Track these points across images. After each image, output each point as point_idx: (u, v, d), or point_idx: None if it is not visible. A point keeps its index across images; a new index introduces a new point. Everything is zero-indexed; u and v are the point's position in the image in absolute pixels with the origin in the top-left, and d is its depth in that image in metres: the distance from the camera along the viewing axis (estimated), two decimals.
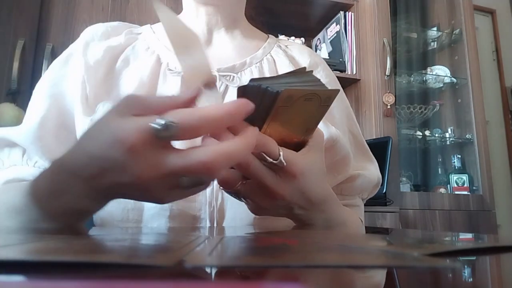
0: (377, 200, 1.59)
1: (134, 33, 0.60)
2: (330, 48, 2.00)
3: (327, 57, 1.95)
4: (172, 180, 0.29)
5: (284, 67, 0.60)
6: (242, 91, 0.34)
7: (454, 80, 2.06)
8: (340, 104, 0.62)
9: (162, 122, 0.27)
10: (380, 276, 0.15)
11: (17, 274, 0.13)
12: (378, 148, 1.62)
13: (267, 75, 0.59)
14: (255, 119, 0.33)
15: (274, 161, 0.35)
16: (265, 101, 0.33)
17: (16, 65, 1.37)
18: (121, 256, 0.17)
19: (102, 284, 0.11)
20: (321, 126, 0.53)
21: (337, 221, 0.44)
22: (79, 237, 0.28)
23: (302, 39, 1.97)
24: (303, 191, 0.37)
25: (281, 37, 1.72)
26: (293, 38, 1.92)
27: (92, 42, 0.56)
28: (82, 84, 0.52)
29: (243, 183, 0.37)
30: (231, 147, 0.29)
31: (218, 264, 0.15)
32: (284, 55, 0.62)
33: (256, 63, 0.60)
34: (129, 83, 0.54)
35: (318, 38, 2.11)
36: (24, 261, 0.14)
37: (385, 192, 1.62)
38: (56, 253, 0.16)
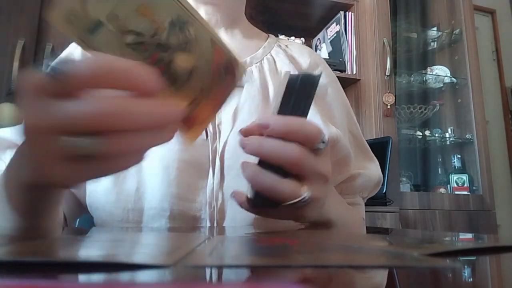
0: (377, 200, 1.59)
1: None
2: (330, 48, 2.00)
3: (327, 57, 1.95)
4: (62, 143, 0.25)
5: (284, 67, 0.60)
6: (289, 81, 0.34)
7: (454, 80, 2.06)
8: (340, 104, 0.62)
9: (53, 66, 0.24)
10: (381, 276, 0.15)
11: (16, 275, 0.13)
12: (378, 148, 1.62)
13: (268, 75, 0.59)
14: (295, 113, 0.34)
15: (325, 142, 0.34)
16: (306, 90, 0.34)
17: (16, 65, 1.37)
18: (121, 256, 0.17)
19: (102, 284, 0.11)
20: (321, 126, 0.54)
21: (336, 201, 0.47)
22: (79, 237, 0.28)
23: (302, 39, 1.97)
24: (330, 164, 0.38)
25: (281, 37, 1.72)
26: (293, 38, 1.92)
27: None
28: None
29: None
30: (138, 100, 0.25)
31: (218, 264, 0.15)
32: (284, 55, 0.62)
33: (256, 63, 0.60)
34: None
35: (318, 38, 2.11)
36: (22, 261, 0.14)
37: (385, 192, 1.62)
38: (55, 253, 0.16)
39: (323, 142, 0.34)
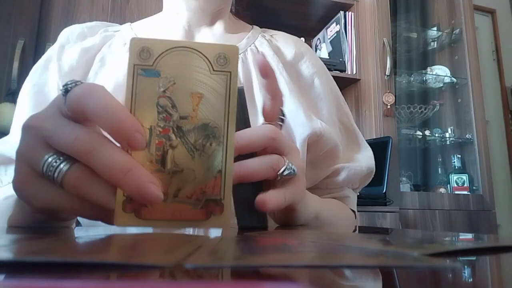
0: (377, 200, 1.59)
1: (110, 31, 0.59)
2: (330, 48, 2.00)
3: (327, 57, 1.95)
4: (41, 155, 0.26)
5: (268, 59, 0.58)
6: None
7: (454, 80, 2.06)
8: (329, 95, 0.60)
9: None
10: (381, 276, 0.15)
11: (15, 275, 0.13)
12: (378, 148, 1.62)
13: (251, 66, 0.57)
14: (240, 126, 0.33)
15: (284, 115, 0.36)
16: (241, 101, 0.35)
17: (16, 65, 1.37)
18: (121, 256, 0.17)
19: (102, 284, 0.11)
20: (304, 120, 0.53)
21: (313, 198, 0.46)
22: (78, 237, 0.28)
23: (302, 38, 1.96)
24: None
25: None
26: None
27: (68, 44, 0.55)
28: (58, 91, 0.51)
29: None
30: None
31: (218, 264, 0.15)
32: (268, 46, 0.60)
33: (240, 54, 0.58)
34: (105, 85, 0.53)
35: (318, 38, 2.11)
36: (22, 261, 0.14)
37: (385, 192, 1.62)
38: (54, 253, 0.16)
39: (282, 115, 0.36)
